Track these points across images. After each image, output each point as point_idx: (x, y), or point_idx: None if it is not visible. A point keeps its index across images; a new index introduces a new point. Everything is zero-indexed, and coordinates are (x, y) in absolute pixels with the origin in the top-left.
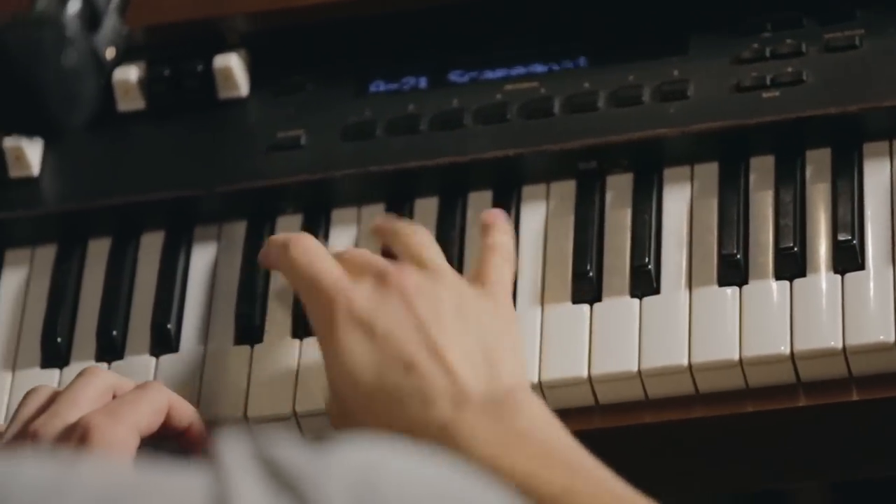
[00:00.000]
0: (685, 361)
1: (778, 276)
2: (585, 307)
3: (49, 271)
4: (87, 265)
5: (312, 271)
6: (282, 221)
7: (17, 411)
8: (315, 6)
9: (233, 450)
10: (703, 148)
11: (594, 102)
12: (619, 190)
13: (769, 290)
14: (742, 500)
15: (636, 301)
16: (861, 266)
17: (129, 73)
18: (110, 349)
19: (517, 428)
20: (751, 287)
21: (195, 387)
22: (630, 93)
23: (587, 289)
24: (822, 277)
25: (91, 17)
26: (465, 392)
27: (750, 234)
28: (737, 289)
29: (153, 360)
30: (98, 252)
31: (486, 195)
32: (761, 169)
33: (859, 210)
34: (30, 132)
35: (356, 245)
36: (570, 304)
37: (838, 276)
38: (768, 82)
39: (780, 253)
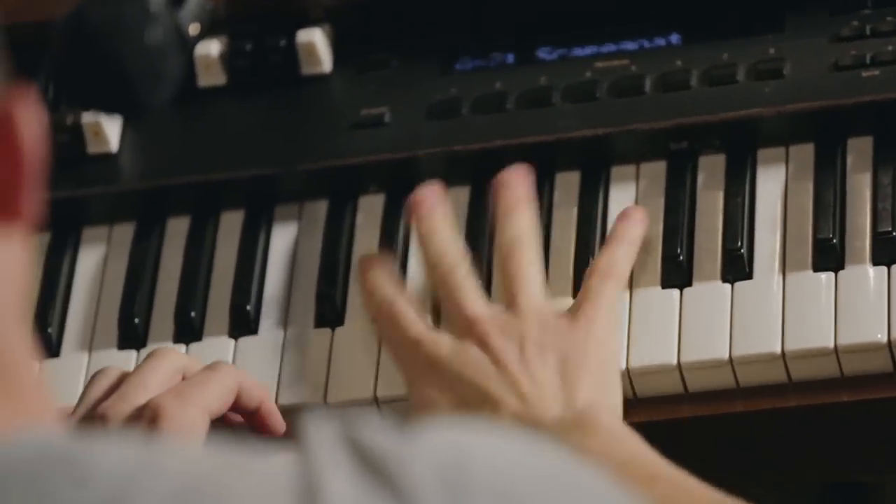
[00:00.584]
0: (778, 349)
1: (875, 262)
2: (675, 292)
3: (127, 250)
4: (165, 244)
5: (399, 321)
6: (364, 201)
7: (84, 392)
8: None
9: (319, 432)
10: (799, 128)
11: (687, 81)
12: (711, 171)
13: (866, 276)
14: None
15: (728, 286)
16: None
17: (211, 48)
18: (188, 330)
19: (590, 447)
20: (847, 272)
21: (275, 370)
22: (724, 71)
23: (677, 273)
24: None
25: None
26: (537, 417)
27: (846, 218)
28: (832, 274)
29: (232, 342)
30: (177, 231)
31: (574, 176)
32: (859, 150)
33: None
34: (111, 110)
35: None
36: (659, 288)
37: None
38: (868, 61)
39: (877, 237)
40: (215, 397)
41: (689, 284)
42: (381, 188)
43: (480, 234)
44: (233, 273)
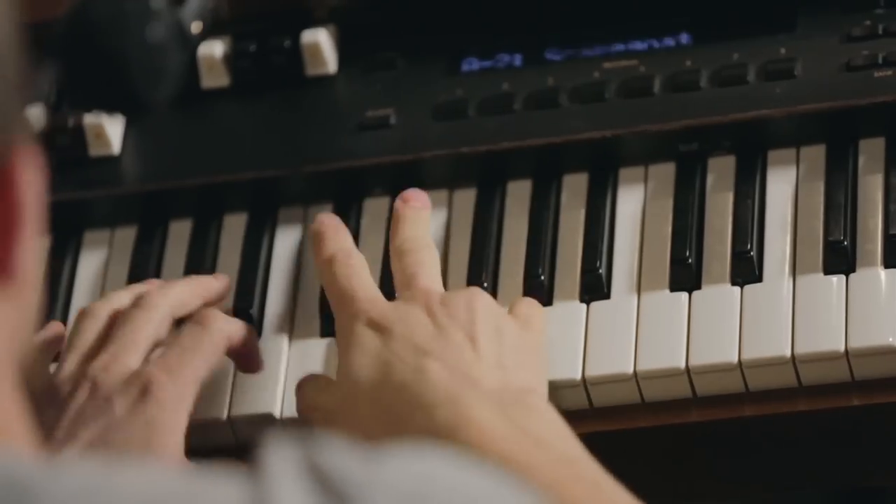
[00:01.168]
0: (788, 352)
1: (887, 265)
2: (684, 295)
3: (129, 253)
4: (167, 247)
5: (349, 286)
6: (369, 203)
7: (72, 336)
8: None
9: (279, 455)
10: (810, 129)
11: (696, 81)
12: (720, 173)
13: (877, 279)
14: (839, 499)
15: (737, 289)
16: None
17: (214, 49)
18: None
19: (533, 433)
20: (858, 275)
21: (278, 378)
22: (734, 72)
23: (686, 276)
24: None
25: None
26: (473, 378)
27: (858, 220)
28: (843, 277)
29: None
30: (179, 234)
31: (582, 178)
32: (871, 152)
33: None
34: (112, 109)
35: (447, 228)
36: (667, 291)
37: None
38: (880, 61)
39: (889, 239)
40: (206, 365)
41: (698, 287)
42: (387, 190)
43: (487, 236)
44: (236, 277)
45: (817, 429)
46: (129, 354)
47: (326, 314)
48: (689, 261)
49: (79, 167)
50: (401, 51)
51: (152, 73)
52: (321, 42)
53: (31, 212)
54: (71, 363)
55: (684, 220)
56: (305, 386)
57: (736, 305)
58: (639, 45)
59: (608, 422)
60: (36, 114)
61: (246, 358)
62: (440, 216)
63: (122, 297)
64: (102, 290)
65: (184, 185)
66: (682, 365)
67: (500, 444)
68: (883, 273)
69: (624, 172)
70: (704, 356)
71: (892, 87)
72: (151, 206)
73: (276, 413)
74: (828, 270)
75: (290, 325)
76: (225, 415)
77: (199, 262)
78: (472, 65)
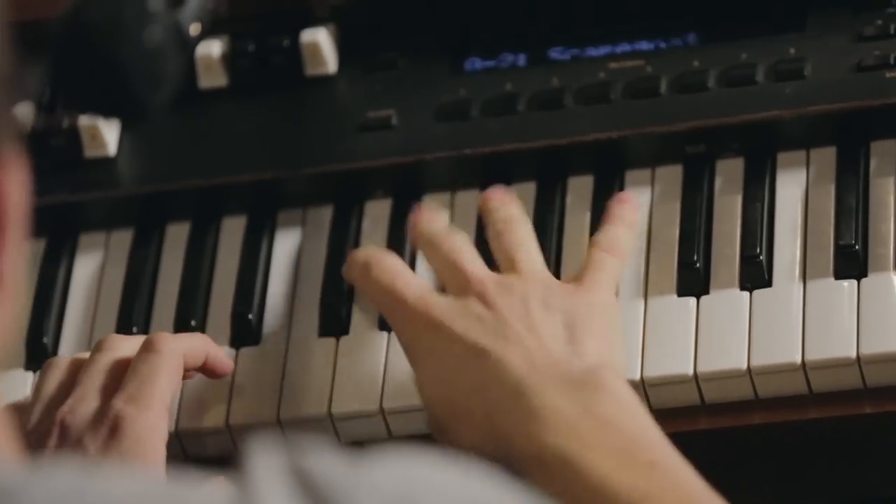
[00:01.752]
0: (798, 359)
1: None
2: (692, 300)
3: (125, 257)
4: (164, 251)
5: (395, 290)
6: (370, 206)
7: (37, 387)
8: None
9: (263, 459)
10: (820, 131)
11: (704, 82)
12: (729, 175)
13: (889, 284)
14: None
15: (746, 294)
16: None
17: (212, 49)
18: None
19: (599, 414)
20: (870, 280)
21: (277, 381)
22: (742, 72)
23: (694, 280)
24: None
25: None
26: (542, 372)
27: (869, 224)
28: (854, 282)
29: (233, 351)
30: (176, 237)
31: (587, 180)
32: (883, 153)
33: None
34: (109, 113)
35: None
36: (675, 296)
37: None
38: (892, 61)
39: None
40: (168, 388)
41: (706, 292)
42: (388, 193)
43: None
44: (234, 281)
45: (827, 437)
46: (93, 395)
47: (325, 317)
48: (697, 265)
49: (74, 169)
50: (402, 50)
51: (150, 76)
52: (321, 41)
53: (15, 218)
54: (37, 414)
55: (692, 223)
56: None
57: (745, 311)
58: (645, 45)
59: None
60: (26, 114)
61: (210, 368)
62: (443, 218)
63: (85, 353)
64: (98, 294)
65: (181, 187)
66: (691, 371)
67: (561, 436)
68: (895, 278)
69: (630, 175)
70: (713, 362)
71: None
72: (148, 208)
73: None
74: (839, 275)
75: (289, 329)
76: (223, 423)
77: (197, 265)
78: (474, 64)
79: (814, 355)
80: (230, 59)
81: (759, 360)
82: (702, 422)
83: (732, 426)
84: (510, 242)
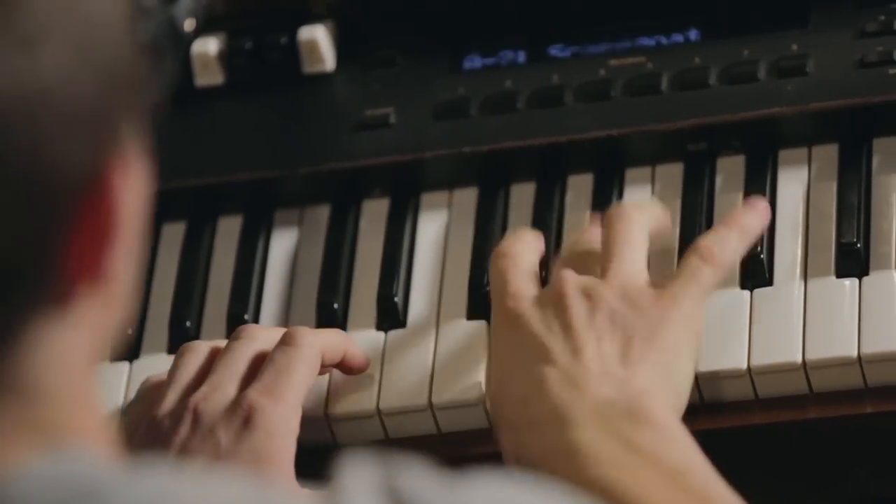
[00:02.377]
0: (799, 358)
1: None
2: None
3: None
4: (160, 250)
5: (505, 277)
6: (368, 205)
7: (173, 372)
8: None
9: (356, 475)
10: (823, 128)
11: (705, 79)
12: (730, 173)
13: (891, 282)
14: None
15: (747, 293)
16: None
17: (209, 46)
18: (183, 341)
19: (641, 448)
20: (871, 279)
21: None
22: (744, 69)
23: None
24: None
25: None
26: (585, 386)
27: (871, 222)
28: (856, 280)
29: None
30: (172, 237)
31: (587, 178)
32: (885, 151)
33: None
34: None
35: (447, 230)
36: None
37: None
38: (895, 57)
39: None
40: (304, 384)
41: None
42: (386, 192)
43: (489, 239)
44: (230, 281)
45: (828, 437)
46: (229, 384)
47: (323, 317)
48: None
49: None
50: (401, 48)
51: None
52: (319, 39)
53: (128, 218)
54: (171, 398)
55: (692, 221)
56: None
57: (746, 310)
58: (646, 42)
59: None
60: None
61: (347, 364)
62: (440, 218)
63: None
64: None
65: (177, 186)
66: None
67: (605, 468)
68: None
69: (630, 173)
70: (713, 362)
71: None
72: None
73: None
74: (840, 274)
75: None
76: None
77: (193, 265)
78: (474, 62)
79: (815, 355)
80: (227, 57)
81: (759, 360)
82: (702, 422)
83: (732, 426)
84: (611, 241)
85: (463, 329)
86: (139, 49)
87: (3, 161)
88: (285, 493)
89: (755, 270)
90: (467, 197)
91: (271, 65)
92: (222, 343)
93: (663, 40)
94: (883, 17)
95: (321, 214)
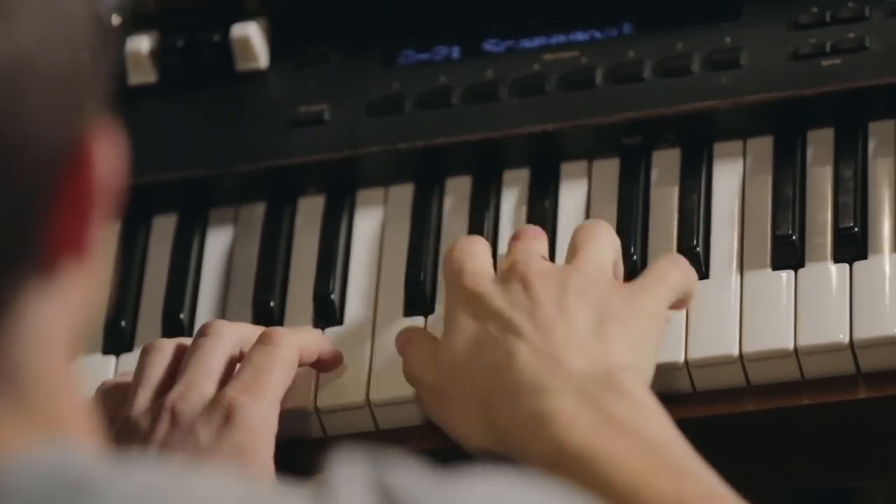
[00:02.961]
0: (735, 351)
1: (837, 259)
2: None
3: None
4: None
5: (461, 267)
6: (303, 203)
7: (140, 371)
8: None
9: (346, 472)
10: (757, 121)
11: (639, 73)
12: (665, 167)
13: (827, 274)
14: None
15: None
16: None
17: (141, 44)
18: (119, 341)
19: (617, 418)
20: (807, 270)
21: None
22: (678, 62)
23: (631, 273)
24: (886, 260)
25: None
26: (559, 360)
27: (807, 214)
28: (792, 272)
29: None
30: (104, 237)
31: (523, 173)
32: (819, 143)
33: None
34: None
35: (383, 227)
36: None
37: None
38: (828, 49)
39: (839, 233)
40: (282, 382)
41: None
42: (321, 189)
43: (425, 235)
44: (165, 280)
45: (764, 430)
46: (205, 382)
47: (259, 315)
48: (635, 257)
49: None
50: (334, 44)
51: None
52: (251, 36)
53: (106, 190)
54: (143, 397)
55: (628, 215)
56: (411, 355)
57: None
58: (580, 36)
59: None
60: None
61: (322, 362)
62: (376, 215)
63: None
64: None
65: None
66: None
67: (582, 436)
68: (833, 268)
69: (566, 167)
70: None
71: (840, 76)
72: None
73: None
74: (776, 266)
75: None
76: None
77: (129, 266)
78: (408, 58)
79: (752, 347)
80: (159, 55)
81: (697, 353)
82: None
83: (676, 419)
84: (581, 237)
85: (400, 326)
86: (100, 21)
87: None
88: (273, 489)
89: (692, 263)
90: (403, 193)
91: (204, 63)
92: (186, 341)
93: (597, 34)
94: (816, 9)
95: (256, 212)
